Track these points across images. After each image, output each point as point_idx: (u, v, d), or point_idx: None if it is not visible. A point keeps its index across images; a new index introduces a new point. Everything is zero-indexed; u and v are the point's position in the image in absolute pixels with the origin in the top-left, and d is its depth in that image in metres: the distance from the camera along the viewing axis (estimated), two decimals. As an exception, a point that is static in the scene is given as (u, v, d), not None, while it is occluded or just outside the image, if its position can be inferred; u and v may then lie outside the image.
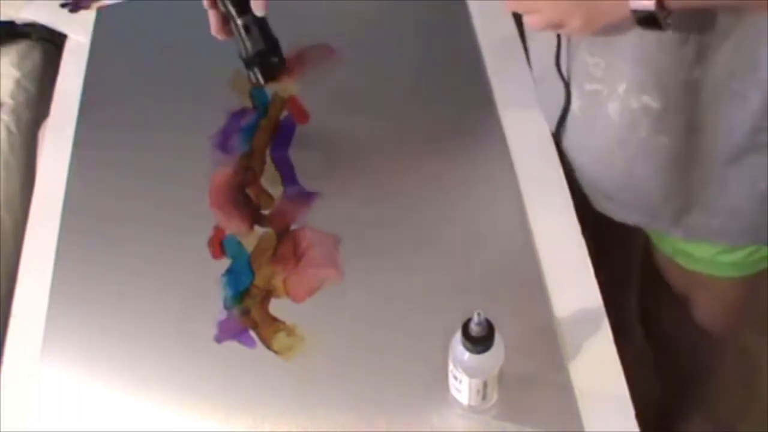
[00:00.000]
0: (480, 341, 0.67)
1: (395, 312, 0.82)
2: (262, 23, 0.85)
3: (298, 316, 0.83)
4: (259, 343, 0.82)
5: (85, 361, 0.84)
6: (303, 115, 1.01)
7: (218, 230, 0.91)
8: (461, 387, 0.72)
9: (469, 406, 0.74)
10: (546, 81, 0.94)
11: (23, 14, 1.20)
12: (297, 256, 0.88)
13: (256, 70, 0.88)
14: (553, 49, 0.87)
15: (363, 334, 0.81)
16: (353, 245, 0.88)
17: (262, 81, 0.89)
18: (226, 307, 0.85)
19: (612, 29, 0.75)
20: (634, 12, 0.69)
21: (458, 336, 0.68)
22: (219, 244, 0.90)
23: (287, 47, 1.08)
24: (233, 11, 0.83)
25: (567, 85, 0.88)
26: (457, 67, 1.05)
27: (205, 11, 0.85)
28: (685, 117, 0.80)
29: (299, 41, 1.08)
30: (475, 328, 0.67)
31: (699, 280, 0.99)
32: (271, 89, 1.04)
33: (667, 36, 0.73)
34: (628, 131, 0.83)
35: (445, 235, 0.88)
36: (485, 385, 0.71)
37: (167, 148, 1.00)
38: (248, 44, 0.85)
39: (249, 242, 0.89)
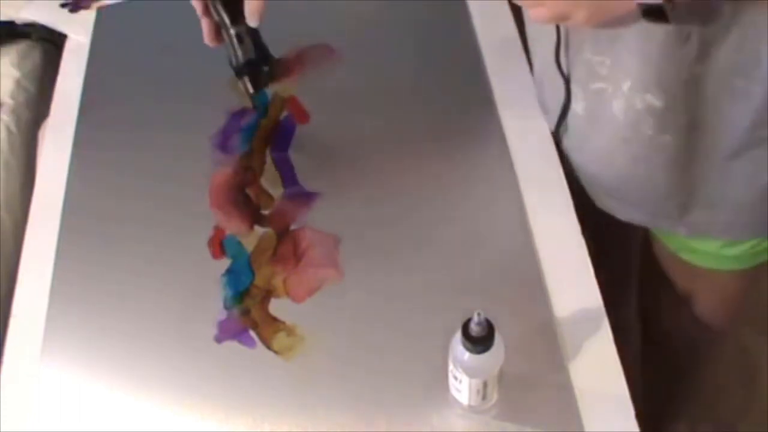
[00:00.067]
0: (480, 341, 0.67)
1: (395, 312, 0.82)
2: (254, 33, 0.85)
3: (298, 316, 0.83)
4: (259, 343, 0.82)
5: (85, 361, 0.84)
6: (303, 115, 1.01)
7: (218, 230, 0.91)
8: (461, 387, 0.72)
9: (469, 406, 0.74)
10: (546, 79, 0.94)
11: (23, 14, 1.20)
12: (297, 256, 0.88)
13: (246, 79, 0.88)
14: (553, 46, 0.87)
15: (363, 334, 0.81)
16: (353, 245, 0.88)
17: (251, 90, 0.89)
18: (226, 307, 0.85)
19: (617, 22, 0.74)
20: (640, 4, 0.69)
21: (458, 336, 0.68)
22: (219, 244, 0.90)
23: (287, 47, 1.09)
24: (227, 20, 0.83)
25: (567, 82, 0.88)
26: (457, 67, 1.05)
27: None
28: (688, 115, 0.80)
29: (299, 41, 1.08)
30: (475, 328, 0.67)
31: (701, 273, 0.99)
32: (271, 89, 1.04)
33: (669, 34, 0.73)
34: (633, 130, 0.83)
35: (445, 235, 0.88)
36: (485, 385, 0.71)
37: (167, 148, 1.00)
38: (239, 53, 0.85)
39: (249, 242, 0.89)
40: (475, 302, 0.68)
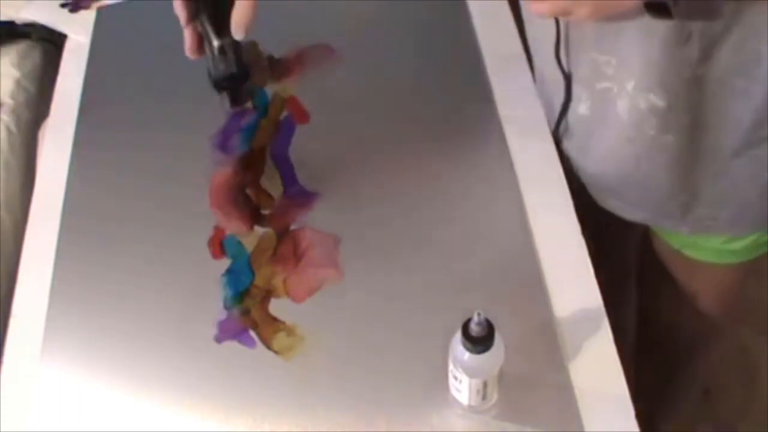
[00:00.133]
0: (480, 341, 0.67)
1: (395, 312, 0.82)
2: (237, 46, 0.81)
3: (298, 316, 0.83)
4: (259, 343, 0.82)
5: (85, 361, 0.84)
6: (303, 115, 1.01)
7: (218, 230, 0.91)
8: (461, 387, 0.72)
9: (469, 406, 0.74)
10: (547, 78, 0.94)
11: (23, 14, 1.20)
12: (297, 256, 0.88)
13: (225, 94, 0.85)
14: (553, 45, 0.87)
15: (363, 334, 0.81)
16: (353, 245, 0.88)
17: (228, 106, 0.86)
18: (226, 307, 0.85)
19: (619, 17, 0.74)
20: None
21: (458, 336, 0.68)
22: (219, 244, 0.90)
23: (287, 47, 1.09)
24: (211, 32, 0.79)
25: (568, 81, 0.88)
26: (457, 67, 1.05)
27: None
28: (690, 115, 0.80)
29: (299, 41, 1.08)
30: (475, 328, 0.67)
31: (703, 268, 1.00)
32: (271, 89, 1.04)
33: (671, 35, 0.73)
34: (636, 129, 0.83)
35: (445, 235, 0.88)
36: (485, 385, 0.71)
37: (167, 148, 1.00)
38: (221, 67, 0.82)
39: (249, 242, 0.89)
40: (475, 302, 0.68)
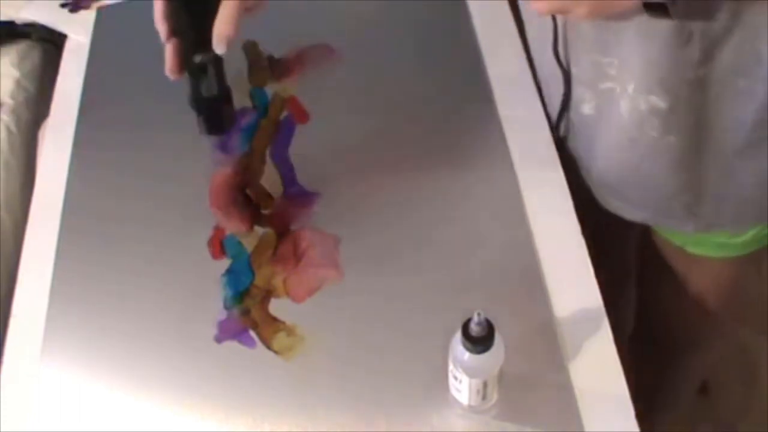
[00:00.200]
0: (480, 341, 0.67)
1: (395, 312, 0.82)
2: (218, 65, 0.76)
3: (298, 316, 0.83)
4: (259, 343, 0.82)
5: (85, 361, 0.84)
6: (303, 115, 1.01)
7: (218, 230, 0.91)
8: (461, 387, 0.72)
9: (469, 406, 0.74)
10: (547, 77, 0.94)
11: (23, 14, 1.20)
12: (297, 256, 0.88)
13: (202, 119, 0.78)
14: (551, 41, 0.87)
15: (363, 334, 0.81)
16: (353, 245, 0.88)
17: (205, 132, 0.79)
18: (226, 307, 0.85)
19: (617, 17, 0.74)
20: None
21: (458, 336, 0.68)
22: (219, 244, 0.90)
23: (287, 47, 1.09)
24: (191, 46, 0.74)
25: (567, 78, 0.88)
26: (457, 67, 1.05)
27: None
28: (693, 116, 0.80)
29: (299, 41, 1.09)
30: (475, 328, 0.67)
31: (705, 263, 1.00)
32: (271, 89, 1.04)
33: (671, 36, 0.73)
34: (638, 130, 0.83)
35: (445, 235, 0.88)
36: (485, 385, 0.71)
37: (167, 148, 1.00)
38: (202, 86, 0.76)
39: (249, 242, 0.89)
40: (475, 302, 0.68)
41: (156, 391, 0.80)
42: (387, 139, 0.98)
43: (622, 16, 0.74)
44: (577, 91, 0.88)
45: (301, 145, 0.98)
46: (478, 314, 0.67)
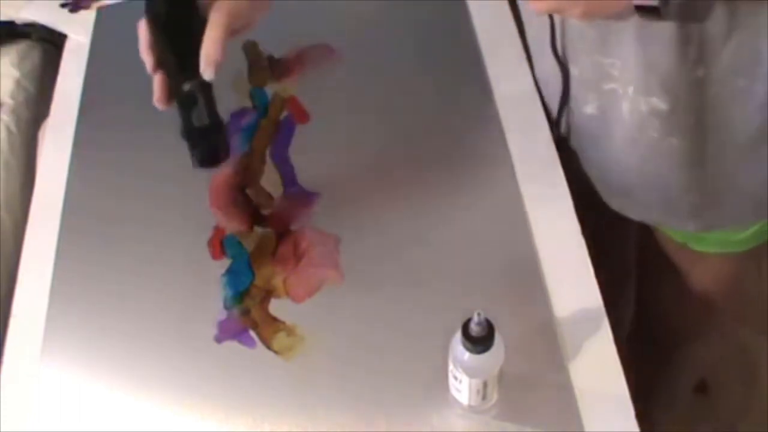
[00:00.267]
0: (480, 341, 0.67)
1: (395, 312, 0.82)
2: (208, 93, 0.74)
3: (298, 316, 0.83)
4: (259, 343, 0.82)
5: (85, 361, 0.84)
6: (303, 115, 1.01)
7: (218, 230, 0.91)
8: (461, 387, 0.72)
9: (469, 406, 0.74)
10: (545, 75, 0.94)
11: (23, 14, 1.20)
12: (297, 256, 0.88)
13: (196, 152, 0.75)
14: (549, 37, 0.87)
15: (363, 334, 0.81)
16: (353, 245, 0.88)
17: (199, 164, 0.75)
18: (226, 307, 0.85)
19: (612, 18, 0.75)
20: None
21: (458, 336, 0.68)
22: (219, 244, 0.90)
23: (287, 47, 1.09)
24: (178, 74, 0.73)
25: (566, 76, 0.88)
26: (457, 67, 1.05)
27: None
28: (694, 117, 0.80)
29: (299, 41, 1.09)
30: (475, 328, 0.67)
31: (706, 259, 1.00)
32: (271, 89, 1.04)
33: (669, 38, 0.74)
34: (639, 131, 0.84)
35: (445, 235, 0.88)
36: (485, 385, 0.71)
37: (167, 148, 0.99)
38: (193, 116, 0.74)
39: (249, 242, 0.89)
40: (475, 302, 0.68)
41: (156, 391, 0.80)
42: (387, 139, 0.98)
43: (617, 17, 0.74)
44: (580, 91, 0.88)
45: (301, 145, 0.98)
46: (478, 314, 0.67)
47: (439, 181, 0.93)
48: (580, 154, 0.96)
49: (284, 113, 1.02)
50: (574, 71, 0.87)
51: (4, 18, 1.19)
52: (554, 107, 0.95)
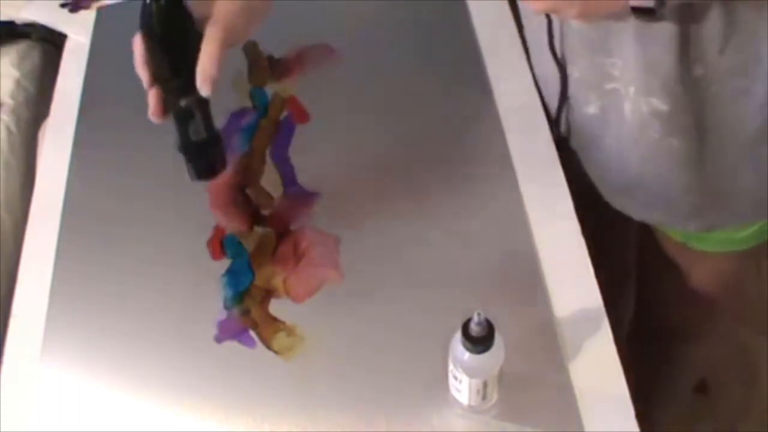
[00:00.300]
0: (480, 341, 0.67)
1: (395, 312, 0.82)
2: (204, 108, 0.74)
3: (298, 316, 0.83)
4: (259, 343, 0.82)
5: (85, 361, 0.84)
6: (303, 115, 1.01)
7: (218, 230, 0.91)
8: (461, 387, 0.72)
9: (469, 406, 0.74)
10: (545, 75, 0.94)
11: (23, 14, 1.20)
12: (297, 256, 0.88)
13: (191, 166, 0.75)
14: (546, 36, 0.87)
15: (363, 334, 0.81)
16: (353, 245, 0.88)
17: (195, 177, 0.76)
18: (226, 307, 0.85)
19: (608, 18, 0.75)
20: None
21: (458, 336, 0.68)
22: (219, 244, 0.90)
23: (287, 47, 1.09)
24: (175, 90, 0.73)
25: (563, 72, 0.88)
26: (457, 67, 1.05)
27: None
28: (694, 117, 0.80)
29: (299, 41, 1.09)
30: (475, 328, 0.67)
31: (706, 258, 1.00)
32: (271, 89, 1.04)
33: (669, 38, 0.74)
34: (640, 131, 0.84)
35: (445, 236, 0.88)
36: (485, 385, 0.71)
37: (167, 148, 0.99)
38: (190, 130, 0.74)
39: (249, 242, 0.89)
40: (475, 302, 0.68)
41: (156, 391, 0.80)
42: (387, 139, 0.98)
43: (613, 17, 0.74)
44: (581, 91, 0.88)
45: (301, 145, 0.98)
46: (478, 314, 0.67)
47: (439, 181, 0.93)
48: (580, 154, 0.96)
49: (284, 113, 1.02)
50: (574, 72, 0.87)
51: (4, 18, 1.19)
52: (554, 107, 0.95)
